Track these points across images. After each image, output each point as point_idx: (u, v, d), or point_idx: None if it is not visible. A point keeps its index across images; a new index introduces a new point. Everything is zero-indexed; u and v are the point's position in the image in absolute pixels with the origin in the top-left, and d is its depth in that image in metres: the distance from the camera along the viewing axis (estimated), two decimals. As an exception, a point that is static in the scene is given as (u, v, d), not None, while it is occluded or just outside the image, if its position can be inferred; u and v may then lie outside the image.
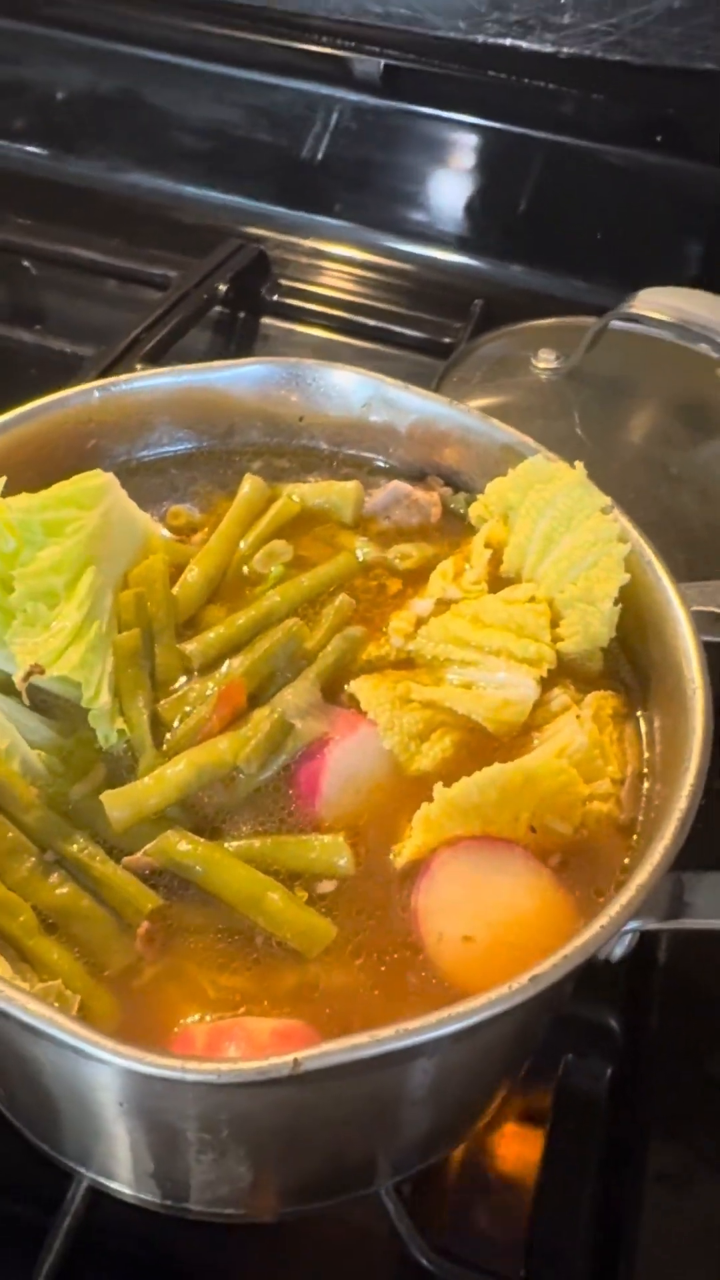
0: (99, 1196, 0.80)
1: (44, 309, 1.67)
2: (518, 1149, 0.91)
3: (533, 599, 0.82)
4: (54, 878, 0.69)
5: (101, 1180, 0.80)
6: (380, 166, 1.63)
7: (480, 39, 1.39)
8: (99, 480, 0.80)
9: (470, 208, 1.64)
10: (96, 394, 0.88)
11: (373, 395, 0.92)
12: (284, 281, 1.61)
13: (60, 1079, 0.68)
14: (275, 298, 1.59)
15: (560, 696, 0.79)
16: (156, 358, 1.38)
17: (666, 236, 1.59)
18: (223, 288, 1.50)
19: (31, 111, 1.72)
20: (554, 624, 0.83)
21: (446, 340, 1.51)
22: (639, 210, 1.58)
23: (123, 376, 0.89)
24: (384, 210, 1.66)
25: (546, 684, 0.80)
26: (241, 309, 1.58)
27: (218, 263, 1.53)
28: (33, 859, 0.70)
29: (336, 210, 1.67)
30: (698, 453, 1.24)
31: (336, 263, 1.66)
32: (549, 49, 1.38)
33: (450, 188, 1.63)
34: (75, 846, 0.70)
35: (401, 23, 1.41)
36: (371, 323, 1.56)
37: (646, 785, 0.77)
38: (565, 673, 0.82)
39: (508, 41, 1.38)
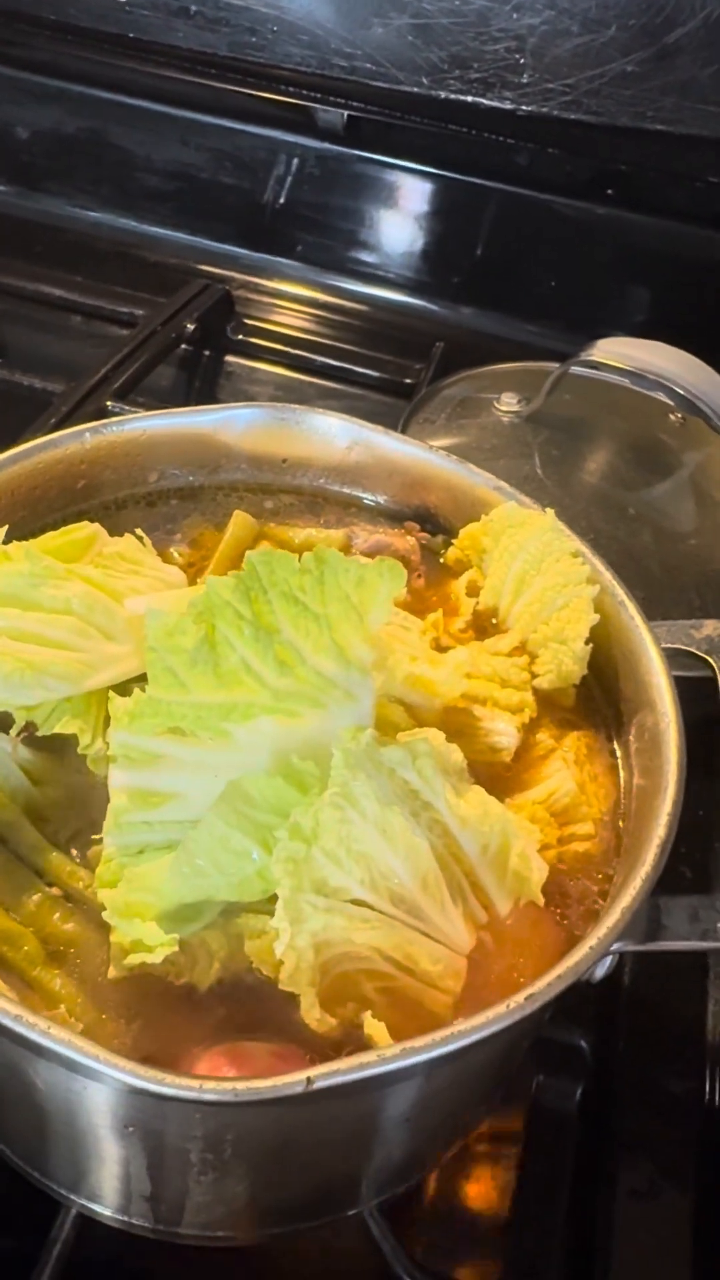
0: (88, 1223, 0.82)
1: (5, 342, 1.68)
2: (493, 1168, 0.94)
3: (514, 649, 0.86)
4: (59, 913, 0.71)
5: (92, 1206, 0.81)
6: (342, 212, 1.68)
7: (442, 95, 1.45)
8: (87, 531, 0.82)
9: (429, 254, 1.69)
10: (88, 435, 0.90)
11: (355, 439, 0.95)
12: (248, 321, 1.65)
13: (62, 1102, 0.70)
14: (239, 337, 1.63)
15: (544, 740, 0.83)
16: (125, 394, 1.40)
17: (616, 284, 1.66)
18: (190, 326, 1.53)
19: (-5, 148, 1.75)
20: (529, 661, 0.87)
21: (407, 381, 1.56)
22: (590, 259, 1.65)
23: (114, 419, 0.92)
24: (345, 254, 1.71)
25: (528, 725, 0.84)
26: (206, 347, 1.61)
27: (184, 302, 1.56)
28: (39, 894, 0.71)
29: (298, 253, 1.72)
30: (653, 494, 1.30)
31: (298, 304, 1.70)
32: (508, 106, 1.44)
33: (410, 234, 1.69)
34: (81, 884, 0.72)
35: (366, 77, 1.46)
36: (333, 362, 1.60)
37: (623, 813, 0.81)
38: (542, 709, 0.86)
39: (469, 98, 1.44)
